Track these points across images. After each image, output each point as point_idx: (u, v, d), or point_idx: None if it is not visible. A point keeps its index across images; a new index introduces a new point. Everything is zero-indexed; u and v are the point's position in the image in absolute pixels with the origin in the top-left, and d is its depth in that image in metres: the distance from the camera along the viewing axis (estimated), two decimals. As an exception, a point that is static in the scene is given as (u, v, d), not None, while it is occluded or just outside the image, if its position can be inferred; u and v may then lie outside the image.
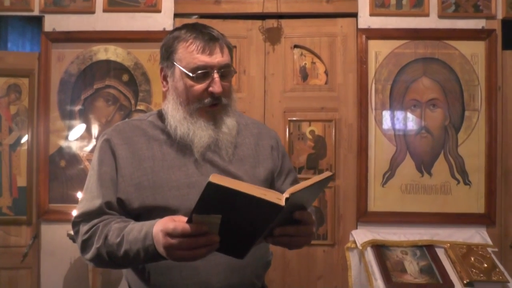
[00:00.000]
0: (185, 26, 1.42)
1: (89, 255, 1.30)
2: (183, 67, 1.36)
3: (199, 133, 1.37)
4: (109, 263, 1.29)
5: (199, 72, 1.34)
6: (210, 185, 0.99)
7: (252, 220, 1.06)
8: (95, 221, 1.31)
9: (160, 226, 1.14)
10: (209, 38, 1.37)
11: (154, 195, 1.33)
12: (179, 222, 1.09)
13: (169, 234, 1.10)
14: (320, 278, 3.07)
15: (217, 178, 1.00)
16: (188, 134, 1.37)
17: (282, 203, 1.01)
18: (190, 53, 1.35)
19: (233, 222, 1.05)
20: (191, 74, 1.35)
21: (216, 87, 1.35)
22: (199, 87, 1.36)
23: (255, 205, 1.02)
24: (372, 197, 3.02)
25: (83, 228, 1.32)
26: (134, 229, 1.22)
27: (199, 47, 1.35)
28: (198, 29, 1.39)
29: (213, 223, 1.04)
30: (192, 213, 1.05)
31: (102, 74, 3.10)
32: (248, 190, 1.02)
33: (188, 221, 1.07)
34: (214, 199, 1.02)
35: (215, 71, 1.35)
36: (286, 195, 1.03)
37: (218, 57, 1.36)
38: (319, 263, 3.07)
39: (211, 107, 1.38)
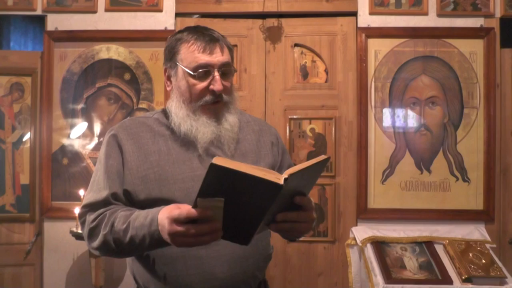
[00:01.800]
0: (187, 29, 1.49)
1: (96, 243, 1.34)
2: (185, 67, 1.42)
3: (202, 129, 1.42)
4: (115, 251, 1.32)
5: (200, 70, 1.41)
6: (213, 167, 1.03)
7: (253, 202, 1.09)
8: (102, 210, 1.35)
9: (165, 213, 1.18)
10: (210, 39, 1.43)
11: (160, 187, 1.37)
12: (183, 209, 1.13)
13: (175, 220, 1.14)
14: (320, 274, 3.09)
15: (219, 160, 1.04)
16: (191, 131, 1.42)
17: (281, 182, 1.04)
18: (192, 53, 1.42)
19: (235, 206, 1.09)
20: (192, 73, 1.41)
21: (217, 85, 1.41)
22: (200, 85, 1.42)
23: (256, 186, 1.05)
24: (372, 194, 3.05)
25: (90, 217, 1.36)
26: (140, 216, 1.26)
27: (200, 47, 1.42)
28: (199, 31, 1.46)
29: (217, 207, 1.08)
30: (196, 197, 1.08)
31: (104, 73, 3.13)
32: (249, 170, 1.05)
33: (193, 207, 1.11)
34: (217, 181, 1.05)
35: (216, 69, 1.42)
36: (285, 175, 1.06)
37: (218, 56, 1.42)
38: (320, 259, 3.09)
39: (213, 104, 1.44)
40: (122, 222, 1.28)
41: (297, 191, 1.20)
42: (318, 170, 1.27)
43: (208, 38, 1.43)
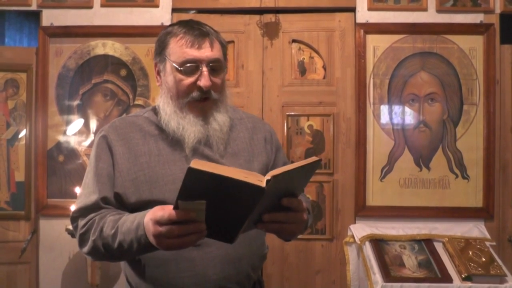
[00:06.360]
0: (179, 22, 1.46)
1: (86, 248, 1.32)
2: (173, 61, 1.39)
3: (189, 128, 1.39)
4: (105, 255, 1.31)
5: (188, 65, 1.37)
6: (191, 171, 1.00)
7: (236, 204, 1.06)
8: (92, 215, 1.33)
9: (150, 215, 1.16)
10: (199, 33, 1.39)
11: (150, 189, 1.35)
12: (166, 210, 1.10)
13: (157, 222, 1.11)
14: (318, 272, 3.07)
15: (197, 164, 1.01)
16: (178, 129, 1.39)
17: (263, 184, 1.02)
18: (180, 47, 1.38)
19: (219, 207, 1.06)
20: (179, 68, 1.37)
21: (204, 81, 1.36)
22: (187, 81, 1.38)
23: (237, 188, 1.03)
24: (370, 191, 3.02)
25: (81, 222, 1.35)
26: (128, 220, 1.24)
27: (188, 41, 1.38)
28: (190, 25, 1.42)
29: (199, 209, 1.05)
30: (177, 199, 1.05)
31: (100, 69, 3.10)
32: (229, 173, 1.02)
33: (175, 208, 1.08)
34: (196, 185, 1.02)
35: (204, 65, 1.37)
36: (267, 177, 1.03)
37: (207, 52, 1.38)
38: (318, 257, 3.07)
39: (200, 101, 1.40)
40: (110, 227, 1.26)
41: (287, 192, 1.17)
42: (309, 172, 1.23)
43: (197, 32, 1.39)
